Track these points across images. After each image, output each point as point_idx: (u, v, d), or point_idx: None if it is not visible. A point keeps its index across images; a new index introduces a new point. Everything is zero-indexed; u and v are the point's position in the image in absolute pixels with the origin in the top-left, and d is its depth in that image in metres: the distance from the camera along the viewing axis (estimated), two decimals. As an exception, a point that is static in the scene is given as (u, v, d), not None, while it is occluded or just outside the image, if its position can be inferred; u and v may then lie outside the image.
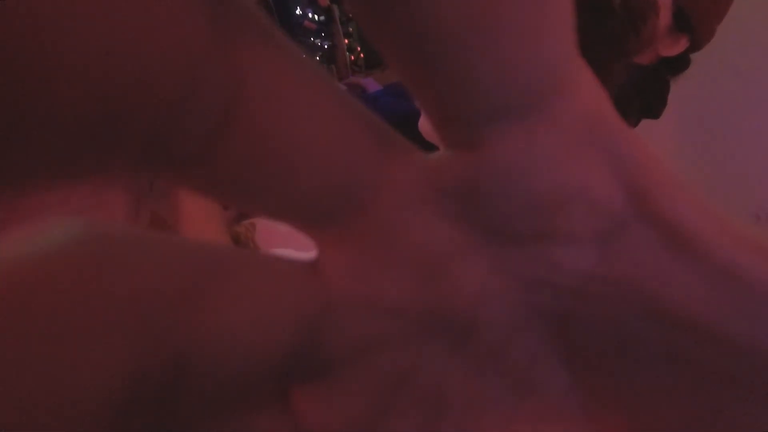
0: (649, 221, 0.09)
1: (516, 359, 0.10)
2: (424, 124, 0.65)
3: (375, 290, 0.09)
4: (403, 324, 0.09)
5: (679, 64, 0.72)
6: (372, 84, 1.24)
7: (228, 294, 0.08)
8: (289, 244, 0.65)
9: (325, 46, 1.87)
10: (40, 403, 0.06)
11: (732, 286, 0.09)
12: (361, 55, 1.97)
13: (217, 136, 0.07)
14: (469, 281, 0.09)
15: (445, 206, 0.09)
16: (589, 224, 0.09)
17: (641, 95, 0.72)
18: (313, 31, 1.86)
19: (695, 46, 0.70)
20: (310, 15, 1.84)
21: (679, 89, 0.79)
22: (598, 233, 0.09)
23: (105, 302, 0.07)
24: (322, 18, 1.89)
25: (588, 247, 0.09)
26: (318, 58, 1.81)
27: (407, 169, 0.09)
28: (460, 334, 0.10)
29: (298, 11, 1.80)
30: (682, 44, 0.69)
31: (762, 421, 0.09)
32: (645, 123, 0.79)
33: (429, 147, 0.13)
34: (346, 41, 1.96)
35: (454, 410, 0.10)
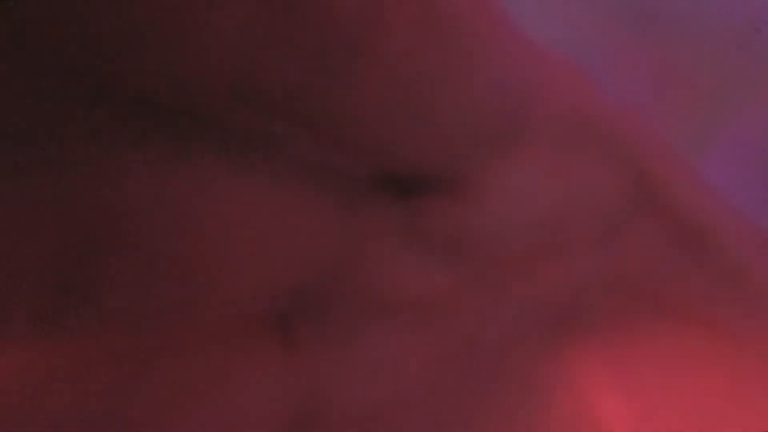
0: (656, 216, 0.08)
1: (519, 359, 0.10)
2: None
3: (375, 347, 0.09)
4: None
5: None
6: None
7: None
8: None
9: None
10: None
11: (741, 287, 0.08)
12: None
13: None
14: (465, 320, 0.09)
15: (434, 251, 0.09)
16: (593, 224, 0.09)
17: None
18: None
19: None
20: None
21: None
22: (602, 232, 0.09)
23: None
24: None
25: (590, 247, 0.09)
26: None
27: (386, 222, 0.08)
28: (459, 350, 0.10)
29: None
30: None
31: None
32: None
33: None
34: None
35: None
